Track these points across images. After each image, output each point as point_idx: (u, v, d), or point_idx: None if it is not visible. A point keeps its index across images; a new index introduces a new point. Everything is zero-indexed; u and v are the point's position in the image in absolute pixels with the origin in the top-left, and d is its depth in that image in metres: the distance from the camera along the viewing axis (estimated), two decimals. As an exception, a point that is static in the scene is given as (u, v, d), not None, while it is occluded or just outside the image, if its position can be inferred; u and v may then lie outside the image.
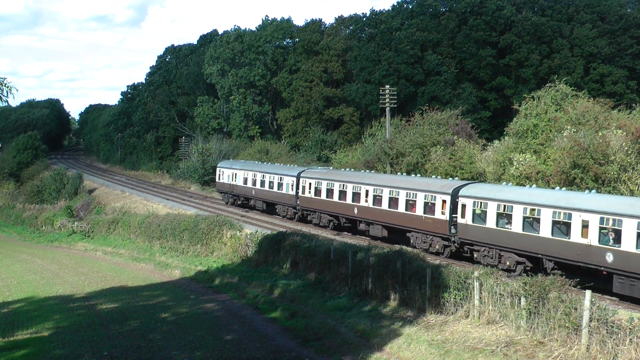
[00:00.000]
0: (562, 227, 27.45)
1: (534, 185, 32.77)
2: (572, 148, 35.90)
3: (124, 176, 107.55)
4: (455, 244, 33.55)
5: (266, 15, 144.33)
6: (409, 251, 28.14)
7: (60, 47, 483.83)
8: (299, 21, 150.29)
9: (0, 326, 26.49)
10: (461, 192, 32.99)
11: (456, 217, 33.10)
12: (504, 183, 34.62)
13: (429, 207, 34.97)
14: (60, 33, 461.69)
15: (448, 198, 33.63)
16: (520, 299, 19.85)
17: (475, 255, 32.07)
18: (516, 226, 29.40)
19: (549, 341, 18.44)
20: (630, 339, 16.82)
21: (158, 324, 25.52)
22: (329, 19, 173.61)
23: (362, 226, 41.26)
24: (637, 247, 24.40)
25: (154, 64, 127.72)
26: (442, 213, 33.94)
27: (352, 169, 50.04)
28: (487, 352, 18.63)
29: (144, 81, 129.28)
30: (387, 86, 64.66)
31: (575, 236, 26.66)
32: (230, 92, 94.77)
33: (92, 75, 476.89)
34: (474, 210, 31.79)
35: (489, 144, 51.03)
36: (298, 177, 48.38)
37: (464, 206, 32.41)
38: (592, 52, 77.34)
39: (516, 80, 79.11)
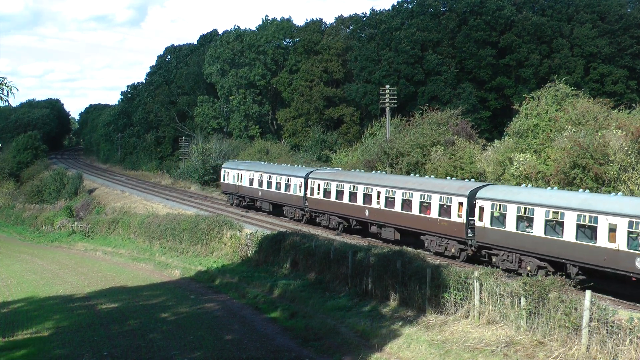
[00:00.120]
0: (587, 231, 26.47)
1: (555, 188, 31.80)
2: (572, 148, 35.89)
3: (124, 176, 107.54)
4: (472, 248, 32.54)
5: (266, 15, 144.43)
6: (409, 251, 28.11)
7: (60, 47, 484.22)
8: (299, 21, 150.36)
9: (0, 326, 26.50)
10: (479, 194, 31.98)
11: (473, 220, 32.09)
12: (523, 185, 33.49)
13: (444, 210, 33.99)
14: (60, 33, 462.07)
15: (465, 200, 32.62)
16: (520, 299, 19.85)
17: (493, 260, 31.02)
18: (538, 230, 28.39)
19: (549, 341, 18.44)
20: (630, 339, 16.81)
21: (158, 324, 25.52)
22: (329, 19, 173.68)
23: (373, 228, 40.24)
24: None
25: (154, 64, 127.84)
26: (459, 216, 32.94)
27: (362, 170, 49.11)
28: (487, 352, 18.63)
29: (144, 81, 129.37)
30: (387, 86, 64.73)
31: (602, 240, 25.60)
32: (230, 92, 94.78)
33: (92, 75, 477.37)
34: (492, 213, 30.80)
35: (489, 144, 51.00)
36: (306, 178, 47.37)
37: (481, 209, 31.41)
38: (592, 52, 77.35)
39: (516, 80, 79.11)
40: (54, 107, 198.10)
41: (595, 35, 77.94)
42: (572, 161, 35.62)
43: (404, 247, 32.77)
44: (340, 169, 51.47)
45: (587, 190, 30.42)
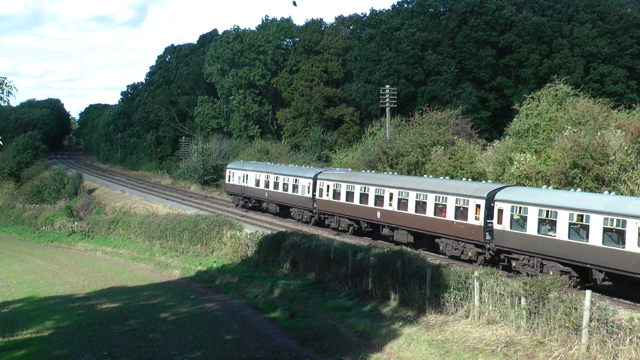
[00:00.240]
0: (614, 235, 25.39)
1: (579, 190, 30.60)
2: (572, 148, 35.88)
3: (124, 176, 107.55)
4: (490, 252, 31.39)
5: (266, 15, 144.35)
6: (409, 251, 28.11)
7: (60, 47, 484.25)
8: (299, 21, 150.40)
9: (0, 326, 26.51)
10: (497, 196, 30.83)
11: (491, 222, 30.98)
12: (544, 187, 32.49)
13: (460, 212, 32.85)
14: (60, 33, 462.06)
15: (482, 202, 31.44)
16: (520, 299, 19.86)
17: (513, 264, 29.89)
18: (561, 233, 27.22)
19: (549, 341, 18.44)
20: (630, 339, 16.82)
21: (158, 324, 25.53)
22: (329, 19, 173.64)
23: (385, 231, 39.03)
24: None
25: (154, 64, 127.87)
26: (476, 218, 31.76)
27: (372, 171, 48.21)
28: (487, 352, 18.63)
29: (144, 81, 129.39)
30: (387, 86, 64.74)
31: (631, 245, 24.40)
32: (230, 92, 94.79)
33: (92, 75, 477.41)
34: (512, 216, 29.68)
35: (489, 143, 51.02)
36: (315, 179, 46.16)
37: (500, 211, 30.33)
38: (592, 52, 77.36)
39: (516, 80, 79.12)
40: (54, 107, 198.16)
41: (595, 35, 77.95)
42: (572, 161, 35.61)
43: (404, 247, 32.78)
44: (349, 169, 50.17)
45: (613, 192, 29.49)
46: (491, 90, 79.26)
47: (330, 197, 44.21)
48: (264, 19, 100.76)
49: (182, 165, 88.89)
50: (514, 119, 46.74)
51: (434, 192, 34.93)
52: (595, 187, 34.29)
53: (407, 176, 43.19)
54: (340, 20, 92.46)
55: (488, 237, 31.30)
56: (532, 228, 28.66)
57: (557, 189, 33.06)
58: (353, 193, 41.85)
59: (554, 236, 27.56)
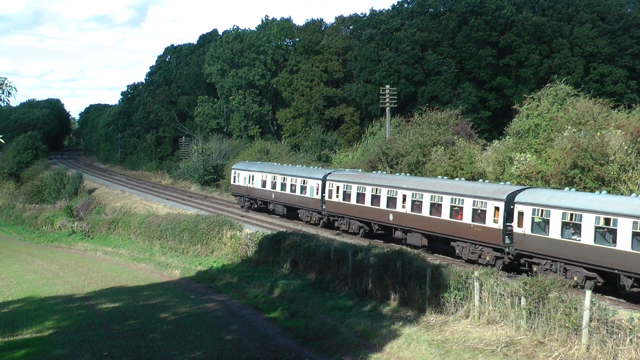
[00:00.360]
0: None
1: (604, 192, 29.66)
2: (571, 149, 35.87)
3: (124, 176, 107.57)
4: (510, 256, 30.37)
5: (266, 16, 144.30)
6: (409, 251, 28.14)
7: (61, 47, 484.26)
8: (299, 21, 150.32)
9: (1, 326, 26.51)
10: (518, 199, 29.78)
11: (511, 225, 29.96)
12: (567, 188, 31.39)
13: (478, 215, 31.84)
14: (60, 33, 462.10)
15: (502, 205, 30.41)
16: (520, 299, 19.86)
17: (534, 269, 28.72)
18: (586, 237, 26.18)
19: (549, 341, 18.44)
20: (631, 339, 16.81)
21: (158, 324, 25.53)
22: (329, 19, 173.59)
23: (398, 234, 38.05)
24: None
25: (154, 64, 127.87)
26: (495, 221, 30.74)
27: (384, 172, 47.26)
28: (487, 352, 18.63)
29: (144, 81, 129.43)
30: (387, 86, 64.73)
31: None
32: (230, 92, 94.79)
33: (92, 75, 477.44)
34: (533, 219, 28.67)
35: (489, 143, 51.03)
36: (324, 180, 45.11)
37: (521, 214, 29.22)
38: (592, 52, 77.32)
39: (516, 80, 79.09)
40: (54, 107, 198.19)
41: (595, 35, 77.93)
42: (571, 162, 35.60)
43: (404, 247, 32.80)
44: (360, 170, 49.34)
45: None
46: (491, 90, 79.23)
47: (340, 199, 43.19)
48: (263, 19, 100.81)
49: (182, 165, 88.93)
50: (514, 119, 46.74)
51: (449, 193, 33.89)
52: (596, 187, 34.27)
53: (421, 177, 42.09)
54: (340, 20, 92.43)
55: (507, 241, 30.38)
56: (555, 232, 27.65)
57: (578, 190, 32.08)
58: (364, 194, 40.78)
59: (579, 240, 26.60)
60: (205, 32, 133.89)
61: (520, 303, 19.83)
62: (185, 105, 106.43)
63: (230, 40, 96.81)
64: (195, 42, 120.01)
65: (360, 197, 41.13)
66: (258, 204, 56.13)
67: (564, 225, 27.29)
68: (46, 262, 50.93)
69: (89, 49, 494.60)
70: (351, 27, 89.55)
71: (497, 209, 30.68)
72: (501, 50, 79.51)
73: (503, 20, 79.09)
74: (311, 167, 54.53)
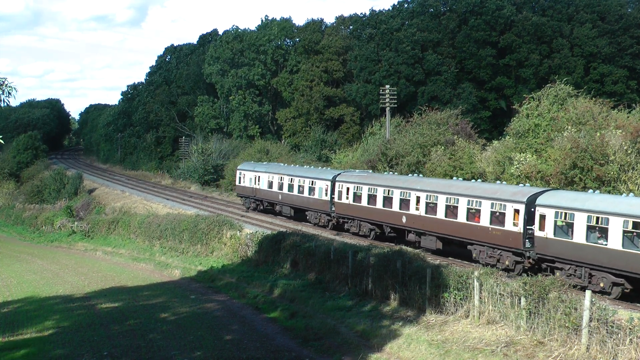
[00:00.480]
0: None
1: (631, 194, 28.71)
2: (571, 149, 35.87)
3: (124, 176, 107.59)
4: (530, 260, 29.32)
5: (266, 16, 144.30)
6: (409, 251, 28.13)
7: (61, 47, 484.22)
8: (299, 21, 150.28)
9: (1, 326, 26.51)
10: (539, 201, 28.73)
11: (532, 229, 28.95)
12: (591, 190, 30.23)
13: (496, 217, 30.79)
14: (60, 33, 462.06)
15: (522, 207, 29.39)
16: (520, 299, 19.87)
17: (557, 274, 27.27)
18: (614, 242, 25.10)
19: (549, 341, 18.45)
20: (630, 339, 16.82)
21: (158, 324, 25.54)
22: (329, 19, 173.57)
23: (411, 236, 36.96)
24: None
25: (154, 64, 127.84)
26: (515, 224, 29.73)
27: (396, 173, 46.29)
28: (487, 352, 18.64)
29: (144, 81, 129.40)
30: (387, 86, 64.73)
31: None
32: (230, 92, 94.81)
33: (92, 75, 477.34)
34: (555, 222, 27.66)
35: (489, 143, 51.04)
36: (333, 181, 44.11)
37: (542, 217, 28.21)
38: (592, 52, 77.33)
39: (516, 80, 79.11)
40: (54, 107, 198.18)
41: (595, 35, 77.94)
42: (571, 162, 35.60)
43: (403, 247, 32.74)
44: (370, 171, 48.35)
45: None
46: (491, 90, 79.26)
47: (351, 200, 42.12)
48: (263, 19, 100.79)
49: (182, 165, 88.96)
50: (514, 119, 46.75)
51: (466, 195, 32.83)
52: (595, 187, 34.27)
53: (435, 179, 40.92)
54: (340, 20, 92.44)
55: (528, 245, 29.31)
56: (579, 235, 26.54)
57: (604, 193, 31.43)
58: (375, 196, 39.75)
59: (605, 245, 25.53)
60: (205, 32, 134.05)
61: (520, 303, 19.84)
62: (185, 105, 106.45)
63: (230, 40, 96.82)
64: (195, 42, 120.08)
65: (372, 198, 40.14)
66: (264, 205, 55.23)
67: (589, 228, 26.30)
68: (46, 262, 50.94)
69: (89, 49, 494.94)
70: (351, 27, 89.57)
71: (517, 211, 29.77)
72: (501, 50, 79.53)
73: (503, 20, 79.10)
74: (319, 167, 53.46)
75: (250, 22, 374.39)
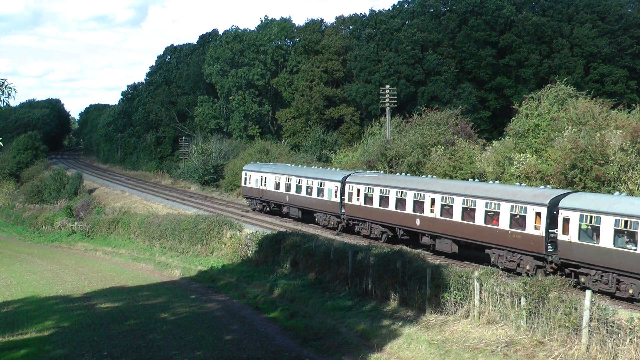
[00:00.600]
0: None
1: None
2: (571, 149, 35.87)
3: (124, 176, 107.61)
4: (553, 265, 28.33)
5: (265, 16, 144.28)
6: (408, 251, 28.13)
7: (61, 47, 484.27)
8: (299, 21, 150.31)
9: (1, 326, 26.50)
10: (562, 203, 27.70)
11: (554, 232, 27.99)
12: (617, 193, 29.61)
13: (516, 220, 29.82)
14: (60, 33, 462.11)
15: (544, 210, 28.45)
16: (520, 299, 19.87)
17: (582, 280, 26.82)
18: None
19: (549, 341, 18.45)
20: (630, 339, 16.83)
21: (158, 324, 25.54)
22: (329, 19, 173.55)
23: (425, 239, 36.07)
24: None
25: (154, 64, 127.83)
26: (536, 227, 28.73)
27: (409, 174, 45.04)
28: (487, 352, 18.64)
29: (144, 81, 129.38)
30: (387, 86, 64.74)
31: None
32: (230, 92, 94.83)
33: (92, 75, 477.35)
34: (580, 226, 26.64)
35: (489, 143, 51.05)
36: (343, 182, 43.09)
37: (566, 220, 27.18)
38: (592, 52, 77.34)
39: (516, 80, 79.11)
40: (54, 107, 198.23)
41: (595, 35, 77.94)
42: (571, 162, 35.60)
43: (404, 247, 32.74)
44: (381, 172, 47.40)
45: None
46: (491, 91, 79.25)
47: (361, 202, 41.03)
48: (263, 19, 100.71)
49: (182, 165, 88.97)
50: (513, 119, 46.75)
51: (484, 197, 31.82)
52: (595, 187, 34.29)
53: (451, 180, 40.22)
54: (340, 20, 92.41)
55: (550, 249, 28.39)
56: (606, 240, 25.47)
57: (634, 196, 30.65)
58: (388, 198, 38.65)
59: (635, 250, 24.57)
60: (205, 32, 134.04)
61: (520, 303, 19.84)
62: (185, 105, 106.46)
63: (230, 41, 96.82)
64: (195, 42, 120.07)
65: (384, 200, 39.07)
66: (271, 206, 54.11)
67: (617, 233, 25.27)
68: (46, 262, 50.94)
69: (89, 49, 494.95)
70: (351, 27, 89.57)
71: (538, 214, 28.77)
72: (501, 50, 79.53)
73: (503, 20, 79.11)
74: (328, 168, 52.43)
75: (250, 22, 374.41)
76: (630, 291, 24.98)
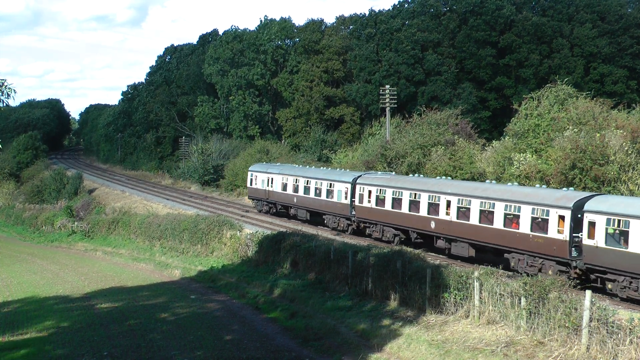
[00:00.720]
0: None
1: None
2: (571, 150, 35.88)
3: (124, 176, 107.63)
4: (577, 270, 27.18)
5: (265, 16, 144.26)
6: (409, 251, 28.11)
7: (61, 47, 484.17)
8: (299, 21, 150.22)
9: (1, 326, 26.51)
10: (588, 206, 26.58)
11: (579, 237, 26.93)
12: None
13: (537, 224, 28.78)
14: (60, 33, 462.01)
15: (568, 213, 27.28)
16: (520, 299, 19.87)
17: (609, 286, 25.84)
18: None
19: (549, 341, 18.45)
20: (631, 339, 16.83)
21: (158, 324, 25.55)
22: (329, 19, 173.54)
23: (440, 243, 35.05)
24: None
25: (154, 64, 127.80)
26: (559, 231, 27.65)
27: (422, 175, 43.85)
28: (487, 352, 18.64)
29: (144, 81, 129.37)
30: (387, 86, 64.75)
31: None
32: (230, 92, 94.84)
33: (92, 75, 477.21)
34: (607, 230, 25.52)
35: (489, 143, 51.05)
36: (354, 184, 42.07)
37: (592, 224, 26.07)
38: (592, 52, 77.35)
39: (516, 80, 79.11)
40: (54, 107, 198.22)
41: (595, 35, 77.95)
42: (571, 162, 35.60)
43: (404, 247, 32.72)
44: (393, 173, 46.62)
45: None
46: (491, 90, 79.26)
47: (373, 204, 40.00)
48: (262, 19, 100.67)
49: (182, 165, 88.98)
50: (513, 119, 46.76)
51: (502, 200, 30.70)
52: (595, 187, 34.29)
53: (468, 182, 39.10)
54: (341, 20, 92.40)
55: (575, 254, 27.28)
56: (636, 245, 24.32)
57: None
58: (401, 200, 37.58)
59: None
60: (205, 32, 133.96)
61: (520, 303, 19.84)
62: (185, 105, 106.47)
63: (230, 40, 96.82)
64: (195, 42, 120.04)
65: (396, 202, 37.97)
66: (277, 208, 52.90)
67: None
68: (46, 262, 50.94)
69: (89, 49, 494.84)
70: (351, 27, 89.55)
71: (562, 217, 27.71)
72: (501, 50, 79.54)
73: (503, 20, 79.12)
74: (337, 169, 51.35)
75: (250, 22, 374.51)
76: None
